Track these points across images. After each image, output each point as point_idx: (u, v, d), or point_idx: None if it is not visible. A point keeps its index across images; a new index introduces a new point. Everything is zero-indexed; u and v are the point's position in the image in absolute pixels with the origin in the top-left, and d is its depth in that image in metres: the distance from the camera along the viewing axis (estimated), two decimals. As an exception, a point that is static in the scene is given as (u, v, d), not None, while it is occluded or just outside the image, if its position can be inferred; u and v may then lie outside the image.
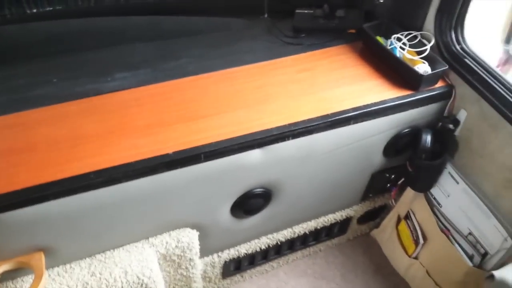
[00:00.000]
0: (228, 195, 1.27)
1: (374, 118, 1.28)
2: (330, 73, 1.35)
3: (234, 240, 1.46)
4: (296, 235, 1.57)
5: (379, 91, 1.30)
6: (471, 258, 1.37)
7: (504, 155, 1.24)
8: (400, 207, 1.61)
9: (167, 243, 1.27)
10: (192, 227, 1.31)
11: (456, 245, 1.41)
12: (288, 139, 1.20)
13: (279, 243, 1.56)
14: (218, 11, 1.48)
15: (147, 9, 1.42)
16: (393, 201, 1.65)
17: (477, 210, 1.34)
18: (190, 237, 1.30)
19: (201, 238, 1.34)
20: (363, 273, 1.71)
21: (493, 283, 1.04)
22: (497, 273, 1.04)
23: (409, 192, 1.56)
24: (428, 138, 1.36)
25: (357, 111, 1.25)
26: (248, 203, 1.32)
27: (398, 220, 1.62)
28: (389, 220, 1.67)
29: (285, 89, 1.29)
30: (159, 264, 1.32)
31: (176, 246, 1.29)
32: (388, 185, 1.59)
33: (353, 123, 1.26)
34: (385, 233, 1.70)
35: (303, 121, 1.20)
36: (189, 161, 1.12)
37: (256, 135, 1.16)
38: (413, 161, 1.42)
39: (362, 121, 1.27)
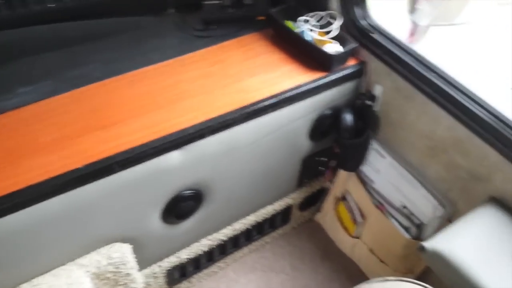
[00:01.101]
0: (154, 203, 1.22)
1: (292, 103, 1.27)
2: (243, 63, 1.33)
3: (173, 247, 1.42)
4: (238, 232, 1.54)
5: (293, 76, 1.29)
6: (408, 230, 1.39)
7: (422, 124, 1.26)
8: (336, 189, 1.61)
9: (97, 261, 1.21)
10: (123, 240, 1.25)
11: (392, 219, 1.42)
12: (207, 136, 1.16)
13: (222, 242, 1.53)
14: (123, 11, 1.43)
15: (48, 17, 1.34)
16: (329, 183, 1.65)
17: (406, 182, 1.36)
18: (122, 252, 1.24)
19: (135, 251, 1.28)
20: (311, 259, 1.71)
21: (424, 254, 1.05)
22: (427, 244, 1.05)
23: (342, 173, 1.57)
24: (348, 117, 1.36)
25: (274, 98, 1.23)
26: (179, 207, 1.28)
27: (337, 202, 1.62)
28: (329, 203, 1.67)
29: (198, 85, 1.25)
30: (95, 284, 1.26)
31: (109, 263, 1.23)
32: (321, 168, 1.59)
33: (272, 111, 1.24)
34: (327, 216, 1.70)
35: (220, 116, 1.17)
36: (103, 173, 1.06)
37: (171, 136, 1.12)
38: (338, 141, 1.43)
39: (280, 108, 1.25)
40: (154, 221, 1.26)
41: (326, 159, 1.56)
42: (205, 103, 1.20)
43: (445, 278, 1.04)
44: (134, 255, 1.28)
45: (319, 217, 1.76)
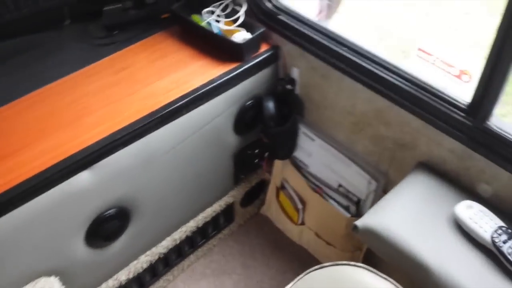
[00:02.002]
0: (73, 229, 1.12)
1: (208, 100, 1.20)
2: (151, 66, 1.25)
3: (108, 270, 1.32)
4: (179, 241, 1.47)
5: (205, 72, 1.22)
6: (347, 209, 1.37)
7: (342, 101, 1.23)
8: (275, 179, 1.57)
9: (22, 300, 1.11)
10: (48, 274, 1.15)
11: (331, 200, 1.39)
12: (118, 150, 1.08)
13: (163, 255, 1.45)
14: (18, 31, 1.31)
15: None
16: (268, 174, 1.61)
17: (338, 162, 1.33)
18: (49, 286, 1.14)
19: (65, 282, 1.18)
20: (262, 254, 1.66)
21: (358, 233, 1.02)
22: (359, 223, 1.02)
23: (277, 162, 1.53)
24: (270, 105, 1.31)
25: (186, 98, 1.16)
26: (104, 229, 1.19)
27: (277, 192, 1.58)
28: (270, 194, 1.63)
29: (103, 96, 1.16)
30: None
31: (36, 301, 1.13)
32: (256, 160, 1.54)
33: (187, 112, 1.17)
34: (272, 207, 1.66)
35: (129, 125, 1.09)
36: (6, 208, 0.97)
37: (76, 156, 1.03)
38: (264, 131, 1.38)
39: (195, 107, 1.18)
40: (79, 248, 1.17)
41: (258, 151, 1.51)
42: (112, 114, 1.11)
43: (383, 254, 1.01)
44: (65, 286, 1.19)
45: (264, 210, 1.72)
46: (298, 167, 1.47)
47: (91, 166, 1.05)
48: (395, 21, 2.54)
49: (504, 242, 0.90)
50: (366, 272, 0.93)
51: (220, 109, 1.25)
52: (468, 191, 1.03)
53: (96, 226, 1.16)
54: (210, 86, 1.19)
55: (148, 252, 1.40)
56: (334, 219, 1.38)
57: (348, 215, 1.35)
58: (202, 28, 1.29)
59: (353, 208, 1.35)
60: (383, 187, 1.24)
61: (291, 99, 1.35)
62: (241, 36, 1.23)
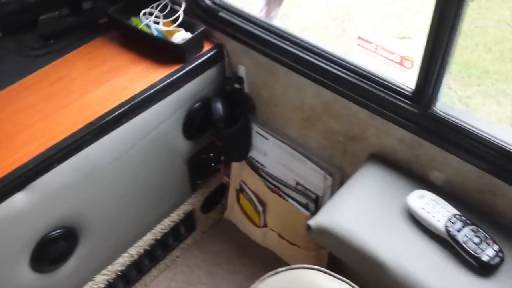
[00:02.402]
0: (14, 255, 1.05)
1: (150, 106, 1.14)
2: (88, 74, 1.18)
3: (60, 294, 1.26)
4: (137, 256, 1.40)
5: (145, 76, 1.17)
6: (306, 207, 1.33)
7: (290, 97, 1.19)
8: (234, 182, 1.52)
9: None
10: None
11: (290, 199, 1.35)
12: (54, 166, 1.01)
13: (121, 273, 1.39)
14: None
15: None
16: (226, 178, 1.56)
17: (293, 159, 1.29)
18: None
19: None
20: (228, 260, 1.61)
21: (312, 233, 0.98)
22: (312, 222, 0.98)
23: (235, 165, 1.48)
24: (218, 106, 1.26)
25: (125, 105, 1.10)
26: (50, 252, 1.11)
27: (237, 195, 1.54)
28: (231, 197, 1.58)
29: (37, 110, 1.09)
30: None
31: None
32: (213, 164, 1.49)
33: (128, 120, 1.11)
34: (234, 211, 1.61)
35: (65, 139, 1.03)
36: None
37: (8, 178, 0.96)
38: (216, 133, 1.33)
39: (137, 114, 1.12)
40: (25, 274, 1.09)
41: (214, 155, 1.45)
42: (47, 129, 1.05)
43: (337, 252, 0.98)
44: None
45: (227, 214, 1.67)
46: (255, 168, 1.43)
47: (26, 186, 0.98)
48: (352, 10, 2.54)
49: (459, 230, 0.87)
50: (320, 274, 0.90)
51: (165, 114, 1.20)
52: (421, 180, 1.01)
53: (41, 249, 1.09)
54: (151, 91, 1.14)
55: (104, 271, 1.33)
56: (294, 219, 1.34)
57: (308, 213, 1.31)
58: (140, 31, 1.23)
59: (312, 205, 1.31)
60: (340, 182, 1.21)
61: (240, 98, 1.31)
62: (180, 36, 1.18)
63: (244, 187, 1.47)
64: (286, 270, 0.93)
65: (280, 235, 1.44)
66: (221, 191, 1.62)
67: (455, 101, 2.16)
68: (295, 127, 1.24)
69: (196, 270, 1.60)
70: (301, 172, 1.29)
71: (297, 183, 1.33)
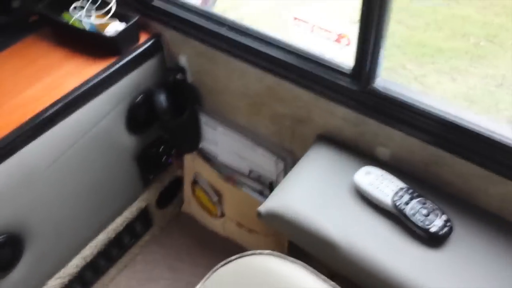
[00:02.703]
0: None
1: (87, 102, 1.09)
2: (19, 74, 1.12)
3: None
4: (91, 258, 1.36)
5: (79, 72, 1.11)
6: (261, 193, 1.31)
7: (234, 83, 1.16)
8: (188, 174, 1.49)
9: None
10: None
11: (245, 187, 1.34)
12: (-13, 172, 0.96)
13: (76, 275, 1.34)
14: None
15: None
16: (180, 170, 1.52)
17: (243, 147, 1.27)
18: None
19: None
20: (189, 254, 1.58)
21: (263, 219, 0.97)
22: (262, 208, 0.96)
23: (187, 157, 1.44)
24: (161, 98, 1.22)
25: (59, 103, 1.04)
26: (-6, 260, 1.06)
27: (193, 187, 1.50)
28: (187, 190, 1.55)
29: (-37, 117, 1.02)
30: None
31: None
32: (164, 158, 1.45)
33: (63, 118, 1.06)
34: (191, 204, 1.58)
35: (-4, 143, 0.97)
36: None
37: None
38: (162, 126, 1.29)
39: (72, 111, 1.07)
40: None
41: (163, 148, 1.41)
42: (-25, 134, 0.98)
43: (290, 236, 0.97)
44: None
45: (185, 208, 1.64)
46: (208, 158, 1.40)
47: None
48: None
49: (406, 203, 0.88)
50: (273, 258, 0.88)
51: (104, 110, 1.15)
52: (369, 157, 1.01)
53: (-18, 260, 1.03)
54: (86, 87, 1.08)
55: (57, 275, 1.28)
56: (250, 206, 1.32)
57: (263, 200, 1.29)
58: (72, 27, 1.17)
59: (267, 191, 1.30)
60: (292, 166, 1.20)
61: (184, 88, 1.27)
62: (113, 28, 1.13)
63: (198, 178, 1.44)
64: (237, 258, 0.92)
65: (238, 224, 1.42)
66: (177, 184, 1.58)
67: (411, 80, 2.20)
68: (243, 114, 1.22)
69: (156, 266, 1.57)
70: (253, 159, 1.27)
71: (251, 170, 1.31)
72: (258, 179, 1.30)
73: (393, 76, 2.18)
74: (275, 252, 0.89)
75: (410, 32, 2.40)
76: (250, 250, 0.96)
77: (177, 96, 1.27)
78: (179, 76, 1.25)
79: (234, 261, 0.91)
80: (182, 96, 1.27)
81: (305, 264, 0.87)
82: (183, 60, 1.22)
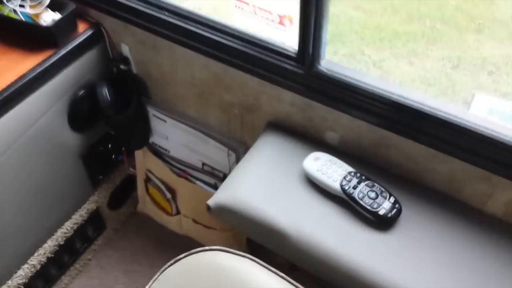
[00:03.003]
0: None
1: (22, 99, 1.02)
2: None
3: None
4: (40, 266, 1.28)
5: (14, 67, 1.04)
6: (215, 187, 1.27)
7: (180, 73, 1.12)
8: (140, 172, 1.43)
9: None
10: None
11: (198, 182, 1.29)
12: None
13: (23, 286, 1.26)
14: None
15: None
16: (131, 169, 1.46)
17: (195, 139, 1.22)
18: None
19: None
20: (146, 255, 1.53)
21: (213, 213, 0.93)
22: (211, 202, 0.92)
23: (138, 154, 1.39)
24: (104, 91, 1.16)
25: (-11, 102, 0.98)
26: None
27: (146, 185, 1.45)
28: (140, 189, 1.49)
29: None
30: None
31: None
32: (113, 156, 1.39)
33: (-5, 118, 0.99)
34: (146, 202, 1.52)
35: None
36: None
37: None
38: (107, 121, 1.23)
39: (8, 110, 1.00)
40: None
41: (112, 145, 1.35)
42: None
43: (240, 228, 0.93)
44: None
45: (140, 207, 1.57)
46: (159, 154, 1.35)
47: None
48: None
49: (354, 187, 0.85)
50: (221, 254, 0.84)
51: (43, 106, 1.08)
52: (318, 142, 0.98)
53: None
54: (22, 82, 1.01)
55: (4, 286, 1.20)
56: (205, 201, 1.27)
57: (217, 194, 1.26)
58: (5, 17, 1.09)
59: (220, 185, 1.25)
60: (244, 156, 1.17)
61: (129, 80, 1.21)
62: (49, 18, 1.06)
63: (151, 176, 1.39)
64: (186, 256, 0.87)
65: (194, 220, 1.38)
66: (129, 183, 1.52)
67: (370, 66, 2.20)
68: (192, 105, 1.17)
69: (111, 271, 1.50)
70: (205, 152, 1.23)
71: (203, 164, 1.26)
72: (212, 172, 1.26)
73: (352, 62, 2.18)
74: (223, 248, 0.85)
75: (367, 17, 2.40)
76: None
77: (122, 89, 1.21)
78: (122, 67, 1.19)
79: (182, 259, 0.87)
80: (128, 89, 1.22)
81: (254, 258, 0.83)
82: (125, 50, 1.17)
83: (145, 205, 1.54)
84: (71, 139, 1.20)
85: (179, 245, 1.53)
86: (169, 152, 1.32)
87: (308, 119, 0.97)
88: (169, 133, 1.27)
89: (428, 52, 2.25)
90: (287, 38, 0.94)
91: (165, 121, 1.24)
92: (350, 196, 0.85)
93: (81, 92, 1.16)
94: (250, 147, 1.11)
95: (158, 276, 0.87)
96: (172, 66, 1.11)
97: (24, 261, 1.24)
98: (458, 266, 0.80)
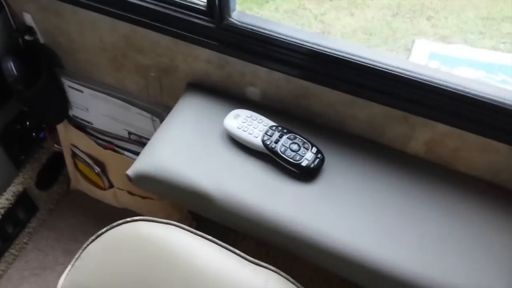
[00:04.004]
0: None
1: None
2: None
3: None
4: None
5: None
6: (145, 155, 1.22)
7: (88, 38, 1.03)
8: (65, 148, 1.36)
9: None
10: None
11: (126, 152, 1.24)
12: None
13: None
14: None
15: None
16: (56, 146, 1.38)
17: (116, 108, 1.16)
18: None
19: None
20: (85, 232, 1.46)
21: (135, 183, 0.89)
22: (130, 171, 0.88)
23: (60, 129, 1.31)
24: (9, 65, 1.07)
25: None
26: None
27: (74, 161, 1.38)
28: (70, 165, 1.42)
29: None
30: None
31: None
32: (34, 133, 1.30)
33: None
34: (78, 179, 1.45)
35: None
36: None
37: None
38: (18, 97, 1.14)
39: None
40: None
41: (30, 122, 1.26)
42: None
43: (166, 195, 0.90)
44: None
45: (74, 184, 1.51)
46: (82, 127, 1.27)
47: None
48: None
49: (276, 141, 0.83)
50: (143, 224, 0.81)
51: None
52: (240, 99, 0.95)
53: None
54: None
55: None
56: (135, 171, 1.23)
57: (148, 162, 1.21)
58: None
59: (149, 153, 1.21)
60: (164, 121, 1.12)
61: (37, 51, 1.12)
62: None
63: (76, 151, 1.32)
64: (107, 230, 0.84)
65: (129, 192, 1.33)
66: (58, 161, 1.44)
67: (311, 20, 2.16)
68: (107, 72, 1.10)
69: (50, 252, 1.44)
70: (129, 120, 1.17)
71: (130, 133, 1.21)
72: (139, 141, 1.20)
73: (294, 17, 2.15)
74: (145, 217, 0.82)
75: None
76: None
77: (31, 62, 1.11)
78: (28, 38, 1.09)
79: (104, 234, 0.83)
80: (37, 61, 1.12)
81: (179, 224, 0.80)
82: (28, 18, 1.07)
83: (78, 182, 1.47)
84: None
85: (118, 219, 1.47)
86: (92, 124, 1.25)
87: (227, 76, 0.93)
88: (88, 104, 1.19)
89: (368, 2, 2.24)
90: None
91: (82, 91, 1.17)
92: (272, 150, 0.83)
93: (-17, 68, 1.06)
94: (174, 110, 1.06)
95: (80, 253, 0.83)
96: (79, 31, 1.03)
97: None
98: (383, 208, 0.81)
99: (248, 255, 0.81)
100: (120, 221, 0.82)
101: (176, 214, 1.33)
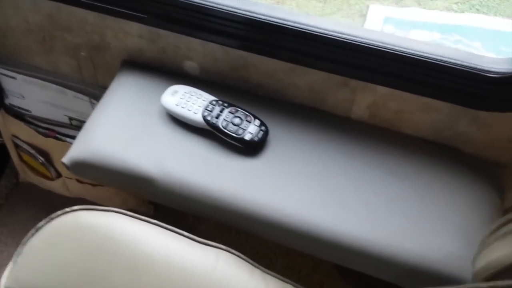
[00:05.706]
0: None
1: None
2: None
3: None
4: None
5: None
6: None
7: (11, 20, 0.96)
8: (7, 140, 1.28)
9: None
10: None
11: (69, 139, 1.18)
12: None
13: None
14: None
15: None
16: (-4, 138, 1.31)
17: (52, 93, 1.09)
18: None
19: None
20: (35, 225, 1.42)
21: (72, 170, 0.84)
22: (65, 159, 0.83)
23: (-4, 118, 1.23)
24: None
25: None
26: None
27: (18, 152, 1.31)
28: (14, 157, 1.34)
29: None
30: None
31: None
32: (-30, 127, 1.22)
33: None
34: (26, 171, 1.39)
35: None
36: None
37: None
38: None
39: None
40: None
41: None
42: None
43: (106, 182, 0.86)
44: None
45: (23, 177, 1.44)
46: (21, 115, 1.20)
47: None
48: None
49: (217, 116, 0.80)
50: (83, 213, 0.78)
51: None
52: (179, 75, 0.90)
53: None
54: None
55: None
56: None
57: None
58: None
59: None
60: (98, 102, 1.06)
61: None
62: None
63: (18, 141, 1.25)
64: (46, 223, 0.81)
65: (78, 180, 1.27)
66: (2, 153, 1.37)
67: None
68: (38, 55, 1.03)
69: (4, 248, 1.38)
70: (68, 105, 1.11)
71: (70, 118, 1.15)
72: (81, 126, 1.14)
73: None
74: (85, 206, 0.78)
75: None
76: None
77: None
78: None
79: (43, 227, 0.80)
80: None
81: (120, 210, 0.77)
82: None
83: (26, 174, 1.40)
84: None
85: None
86: (31, 112, 1.18)
87: (161, 51, 0.88)
88: (23, 91, 1.12)
89: (321, -32, 2.19)
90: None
91: (14, 78, 1.09)
92: (214, 126, 0.79)
93: None
94: (113, 91, 1.01)
95: (21, 249, 0.80)
96: (2, 14, 0.95)
97: None
98: (330, 175, 0.79)
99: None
100: (59, 212, 0.78)
101: (132, 200, 1.29)
